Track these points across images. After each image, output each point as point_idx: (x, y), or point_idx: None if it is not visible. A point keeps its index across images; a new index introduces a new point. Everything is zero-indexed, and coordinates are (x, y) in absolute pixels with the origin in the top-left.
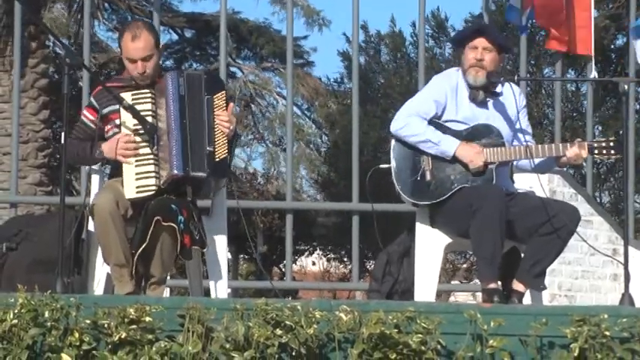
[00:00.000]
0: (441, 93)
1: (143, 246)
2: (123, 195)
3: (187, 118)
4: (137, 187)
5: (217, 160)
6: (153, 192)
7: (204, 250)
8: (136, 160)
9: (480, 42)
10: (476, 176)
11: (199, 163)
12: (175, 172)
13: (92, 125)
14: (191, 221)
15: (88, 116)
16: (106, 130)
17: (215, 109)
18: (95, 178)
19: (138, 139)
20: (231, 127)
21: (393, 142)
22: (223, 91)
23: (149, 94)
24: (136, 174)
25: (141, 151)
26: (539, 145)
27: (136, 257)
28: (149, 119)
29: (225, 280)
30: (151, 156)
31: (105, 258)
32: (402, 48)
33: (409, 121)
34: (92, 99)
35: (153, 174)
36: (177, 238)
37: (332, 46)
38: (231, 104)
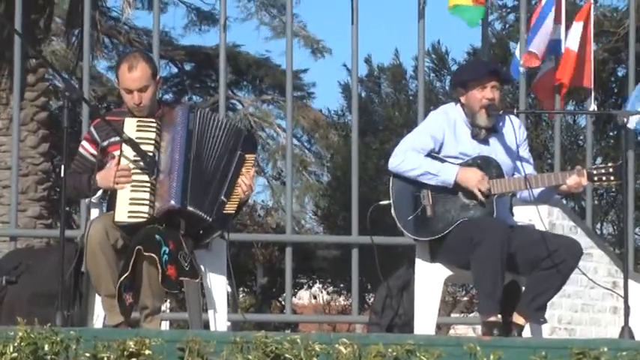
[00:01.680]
0: (438, 129)
1: (125, 275)
2: (113, 226)
3: (193, 153)
4: (129, 212)
5: (225, 212)
6: (144, 219)
7: (196, 280)
8: (132, 186)
9: (491, 82)
10: (481, 202)
11: (200, 202)
12: (173, 203)
13: (91, 158)
14: (180, 252)
15: (87, 149)
16: (104, 162)
17: (243, 167)
18: (95, 212)
19: (133, 166)
20: (248, 193)
21: (391, 179)
22: (255, 155)
23: (154, 124)
24: (130, 199)
25: (138, 177)
26: (539, 175)
27: (117, 286)
28: (150, 148)
29: (224, 313)
30: (148, 184)
31: (96, 288)
32: (402, 80)
33: (406, 156)
34: (92, 129)
35: (147, 202)
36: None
37: (332, 77)
38: (254, 170)
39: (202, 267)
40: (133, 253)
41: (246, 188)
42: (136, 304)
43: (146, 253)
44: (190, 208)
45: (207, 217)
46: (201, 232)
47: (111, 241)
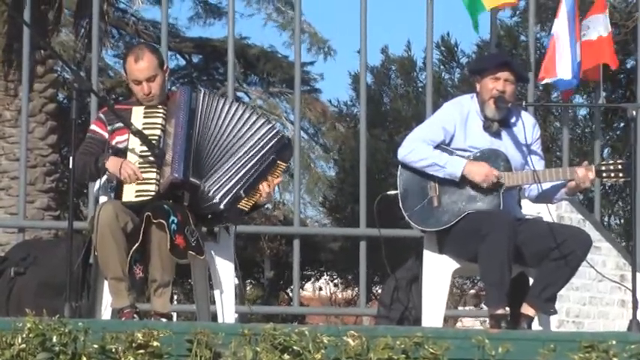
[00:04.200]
0: (450, 121)
1: (136, 245)
2: (123, 209)
3: (196, 130)
4: (137, 192)
5: (239, 207)
6: (151, 197)
7: (202, 257)
8: (139, 167)
9: (504, 74)
10: (488, 194)
11: (203, 176)
12: (175, 175)
13: (102, 137)
14: (187, 227)
15: (97, 130)
16: (114, 143)
17: (272, 172)
18: (103, 199)
19: (140, 159)
20: (266, 200)
21: (400, 168)
22: (287, 164)
23: (161, 109)
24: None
25: (145, 159)
26: (547, 170)
27: (129, 256)
28: (157, 132)
29: (232, 305)
30: (155, 165)
31: (103, 271)
32: (412, 72)
33: (415, 147)
34: (101, 114)
35: (154, 181)
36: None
37: (343, 66)
38: (280, 178)
39: (210, 259)
40: (142, 221)
41: (265, 196)
42: (146, 280)
43: (155, 220)
44: (193, 180)
45: (217, 200)
46: (209, 216)
47: (121, 224)
